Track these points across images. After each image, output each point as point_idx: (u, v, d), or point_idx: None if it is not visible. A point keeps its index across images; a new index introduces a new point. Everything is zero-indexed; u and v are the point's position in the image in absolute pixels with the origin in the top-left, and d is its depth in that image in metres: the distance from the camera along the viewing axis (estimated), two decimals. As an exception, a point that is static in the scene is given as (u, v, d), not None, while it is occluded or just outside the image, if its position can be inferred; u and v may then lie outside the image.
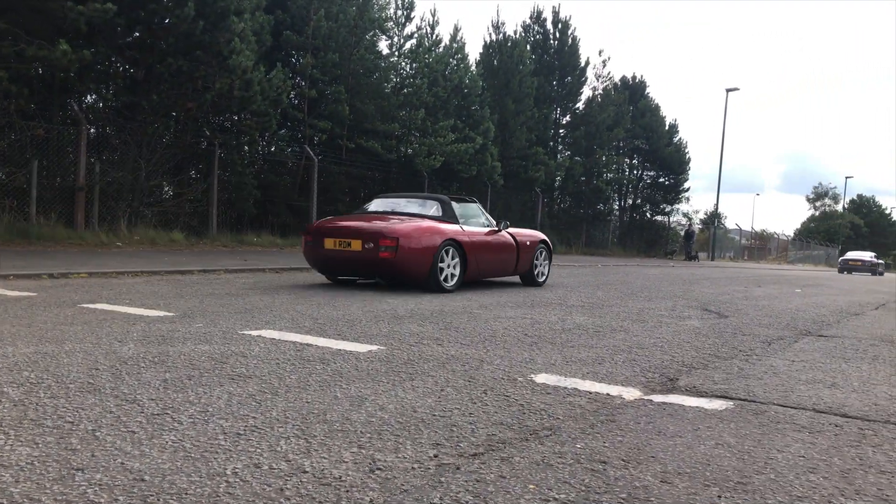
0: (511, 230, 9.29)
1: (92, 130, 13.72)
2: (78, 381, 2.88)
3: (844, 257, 37.63)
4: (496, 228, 9.03)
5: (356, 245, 7.49)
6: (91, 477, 1.88)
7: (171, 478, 1.91)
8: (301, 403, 2.71)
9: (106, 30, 12.47)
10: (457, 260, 7.99)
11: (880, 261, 37.57)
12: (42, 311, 4.76)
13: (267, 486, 1.88)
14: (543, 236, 10.10)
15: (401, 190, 20.53)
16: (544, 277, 9.90)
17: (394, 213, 8.44)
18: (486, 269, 8.71)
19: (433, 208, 8.49)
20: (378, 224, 7.70)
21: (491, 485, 1.97)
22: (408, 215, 8.27)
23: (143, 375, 3.04)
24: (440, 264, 7.69)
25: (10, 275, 6.78)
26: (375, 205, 8.95)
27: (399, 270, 7.50)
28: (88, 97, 14.49)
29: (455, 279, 7.96)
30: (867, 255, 37.08)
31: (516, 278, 9.87)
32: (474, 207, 9.15)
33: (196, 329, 4.31)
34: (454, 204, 8.61)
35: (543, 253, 9.86)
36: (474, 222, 8.81)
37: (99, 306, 5.15)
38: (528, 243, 9.44)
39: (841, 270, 34.97)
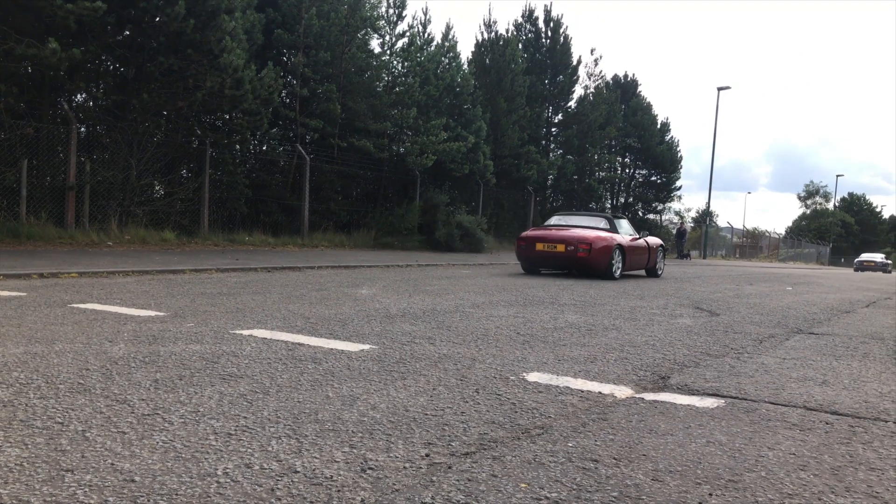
0: (645, 238, 12.99)
1: (82, 129, 13.65)
2: (68, 382, 2.87)
3: (859, 258, 45.45)
4: (637, 237, 12.76)
5: (560, 248, 11.28)
6: (81, 478, 1.87)
7: (162, 478, 1.90)
8: (292, 403, 2.70)
9: (96, 28, 12.40)
10: (620, 258, 11.59)
11: (888, 261, 45.04)
12: (32, 311, 4.73)
13: (258, 486, 1.88)
14: (661, 241, 13.88)
15: (388, 188, 20.53)
16: (661, 271, 13.59)
17: (575, 226, 12.04)
18: (634, 264, 12.35)
19: (602, 223, 12.16)
20: (575, 233, 11.46)
21: (483, 484, 1.97)
22: (587, 228, 11.87)
23: (134, 376, 3.03)
24: (613, 261, 11.26)
25: (-1, 275, 6.74)
26: (556, 220, 12.79)
27: (590, 265, 11.18)
28: (78, 96, 14.41)
29: (619, 271, 11.59)
30: (878, 257, 45.56)
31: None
32: (625, 223, 12.98)
33: (187, 329, 4.29)
34: (614, 220, 12.35)
35: (662, 253, 13.59)
36: (625, 232, 12.38)
37: (89, 306, 5.12)
38: (654, 246, 13.15)
39: (856, 269, 40.99)
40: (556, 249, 11.28)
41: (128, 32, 13.31)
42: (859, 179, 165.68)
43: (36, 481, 1.84)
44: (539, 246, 11.48)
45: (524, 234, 12.05)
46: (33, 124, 12.29)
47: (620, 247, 11.54)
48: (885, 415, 2.96)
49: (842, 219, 75.68)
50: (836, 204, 79.15)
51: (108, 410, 2.50)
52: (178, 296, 6.05)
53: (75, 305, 5.13)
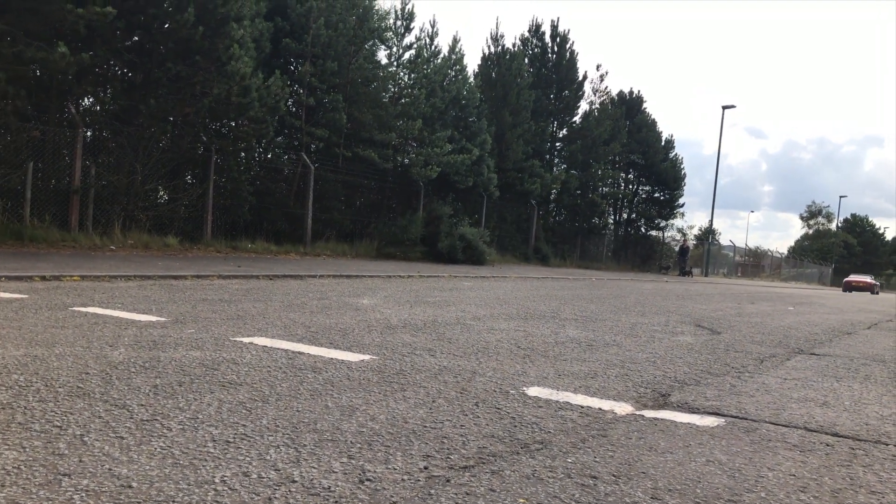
0: (875, 280, 43.21)
1: (88, 133, 13.71)
2: (67, 386, 2.86)
3: None
4: (875, 281, 42.29)
5: (862, 284, 39.61)
6: (78, 482, 1.87)
7: (159, 485, 1.89)
8: (291, 412, 2.69)
9: (105, 33, 12.47)
10: (876, 288, 40.67)
11: None
12: (33, 314, 4.73)
13: (255, 494, 1.87)
14: (878, 283, 44.23)
15: (392, 199, 20.53)
16: (878, 294, 34.97)
17: (862, 277, 42.82)
18: (874, 290, 39.20)
19: (870, 276, 44.18)
20: (864, 280, 41.30)
21: (481, 498, 1.96)
22: (866, 277, 42.50)
23: (134, 381, 3.02)
24: (874, 288, 39.58)
25: (1, 276, 6.75)
26: (853, 276, 43.10)
27: (868, 290, 37.81)
28: (86, 100, 14.48)
29: (877, 292, 39.21)
30: None
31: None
32: (872, 276, 46.29)
33: (188, 335, 4.29)
34: (872, 276, 46.52)
35: (879, 287, 42.18)
36: (874, 278, 44.22)
37: (90, 310, 5.12)
38: (877, 283, 42.64)
39: None
40: (859, 285, 38.44)
41: (136, 38, 13.38)
42: (862, 201, 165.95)
43: (33, 485, 1.83)
44: (854, 283, 38.76)
45: (846, 279, 40.57)
46: (40, 127, 12.35)
47: (876, 284, 40.03)
48: (886, 438, 2.94)
49: (844, 239, 75.63)
50: (839, 224, 79.12)
51: (107, 415, 2.49)
52: (180, 301, 6.05)
53: (76, 309, 5.14)
